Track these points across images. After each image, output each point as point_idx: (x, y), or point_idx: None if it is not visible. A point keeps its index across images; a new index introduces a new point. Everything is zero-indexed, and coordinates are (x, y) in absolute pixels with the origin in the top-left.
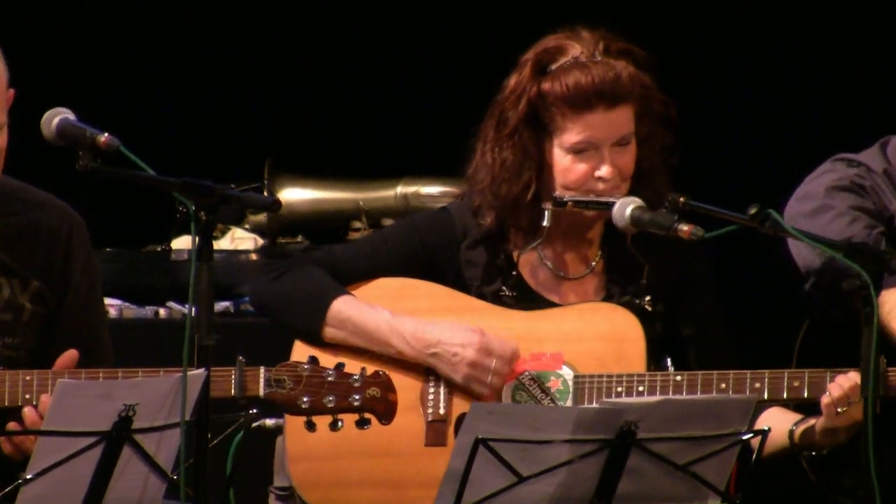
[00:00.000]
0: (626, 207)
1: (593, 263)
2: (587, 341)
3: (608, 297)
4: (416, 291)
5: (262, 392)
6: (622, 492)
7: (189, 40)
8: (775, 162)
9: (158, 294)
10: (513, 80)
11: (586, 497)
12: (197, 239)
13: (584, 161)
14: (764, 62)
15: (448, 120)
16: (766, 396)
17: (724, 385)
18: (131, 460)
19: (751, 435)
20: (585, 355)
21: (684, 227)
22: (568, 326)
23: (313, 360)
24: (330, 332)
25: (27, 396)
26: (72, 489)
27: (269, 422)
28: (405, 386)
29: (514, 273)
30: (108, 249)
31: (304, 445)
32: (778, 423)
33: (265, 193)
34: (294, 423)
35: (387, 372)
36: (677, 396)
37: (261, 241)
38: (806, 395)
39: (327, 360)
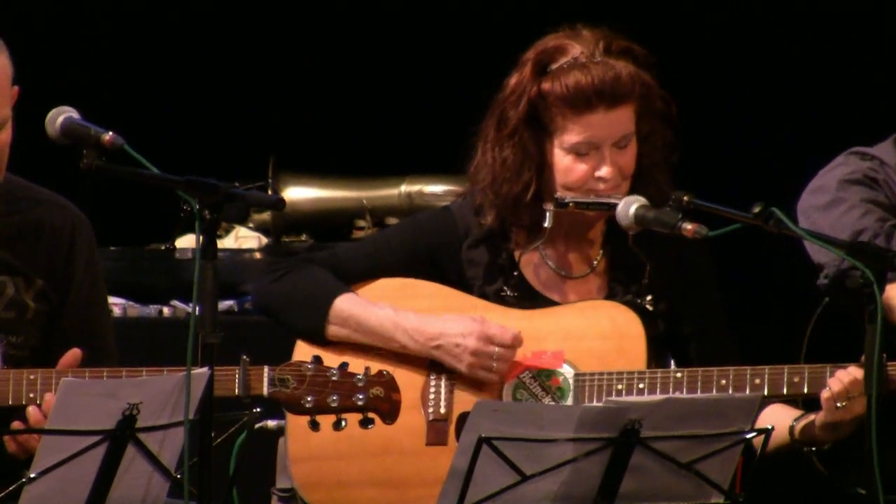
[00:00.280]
0: (630, 206)
1: (595, 262)
2: (588, 339)
3: (610, 297)
4: (417, 291)
5: (265, 391)
6: (625, 490)
7: (193, 39)
8: (778, 160)
9: (162, 293)
10: (513, 80)
11: (590, 495)
12: (201, 237)
13: (585, 161)
14: (766, 60)
15: (451, 118)
16: (766, 392)
17: (724, 381)
18: (135, 459)
19: (754, 434)
20: (586, 353)
21: (688, 226)
22: (569, 324)
23: (317, 360)
24: (333, 329)
25: (31, 395)
26: (75, 488)
27: (272, 423)
28: (406, 385)
29: (515, 273)
30: (112, 248)
31: (305, 446)
32: (778, 420)
33: (269, 192)
34: (296, 424)
35: (389, 371)
36: (681, 395)
37: (265, 240)
38: (806, 390)
39: (331, 360)
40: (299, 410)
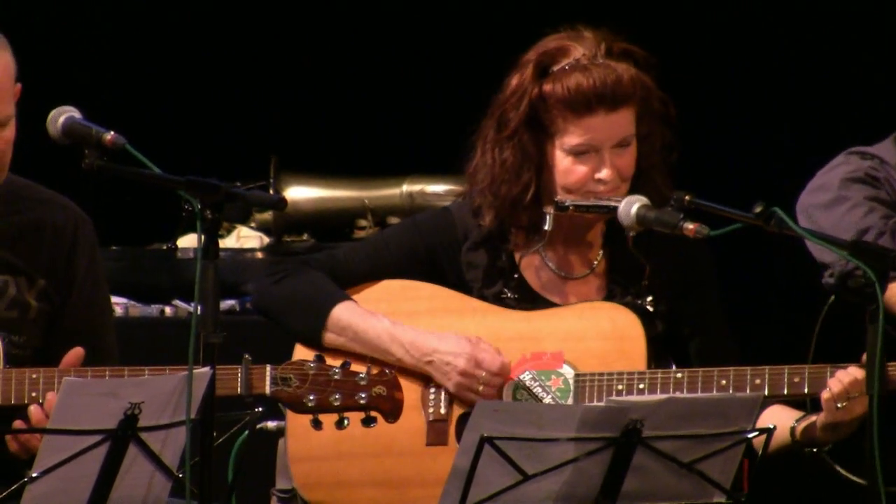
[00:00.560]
0: (631, 206)
1: (595, 264)
2: (588, 340)
3: (610, 298)
4: (417, 293)
5: (268, 390)
6: (627, 490)
7: (195, 39)
8: (778, 160)
9: (164, 292)
10: (514, 81)
11: (591, 495)
12: (202, 237)
13: (585, 163)
14: (766, 60)
15: (452, 118)
16: (766, 392)
17: (724, 382)
18: (137, 459)
19: (756, 433)
20: (586, 354)
21: (690, 226)
22: (568, 325)
23: (320, 359)
24: (330, 337)
25: (33, 394)
26: (77, 487)
27: (271, 424)
28: (406, 386)
29: (515, 275)
30: (113, 248)
31: (306, 446)
32: (779, 421)
33: (271, 192)
34: (296, 424)
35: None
36: (682, 395)
37: (266, 240)
38: (806, 390)
39: (333, 359)
40: (301, 409)
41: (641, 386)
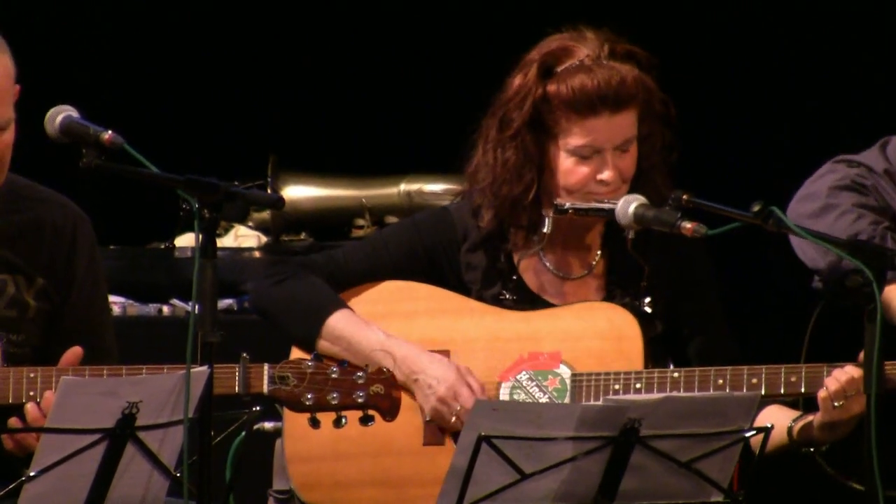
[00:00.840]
0: (629, 205)
1: (593, 265)
2: (585, 340)
3: (608, 299)
4: (415, 293)
5: (265, 389)
6: (625, 489)
7: (193, 38)
8: (778, 159)
9: (162, 291)
10: (517, 81)
11: (590, 494)
12: (201, 236)
13: (587, 164)
14: (766, 60)
15: (451, 117)
16: (763, 392)
17: (721, 381)
18: (135, 458)
19: (753, 432)
20: (583, 354)
21: (688, 225)
22: (565, 325)
23: (317, 357)
24: (324, 345)
25: (31, 393)
26: (75, 486)
27: (268, 425)
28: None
29: (514, 277)
30: (111, 247)
31: (303, 446)
32: (777, 421)
33: (269, 191)
34: (294, 425)
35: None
36: (680, 394)
37: (264, 239)
38: (803, 389)
39: (331, 357)
40: (299, 408)
41: (638, 385)
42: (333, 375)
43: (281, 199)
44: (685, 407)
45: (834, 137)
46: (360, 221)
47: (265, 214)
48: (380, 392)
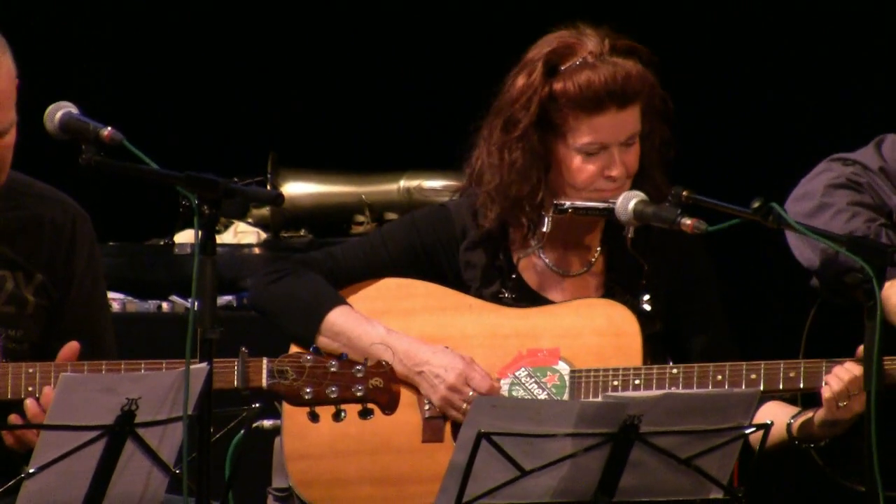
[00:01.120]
0: (629, 201)
1: (592, 263)
2: (584, 336)
3: (608, 296)
4: (413, 290)
5: (265, 383)
6: (625, 485)
7: (192, 34)
8: (778, 156)
9: (161, 288)
10: (520, 81)
11: (589, 491)
12: (200, 233)
13: (594, 161)
14: (765, 56)
15: (450, 114)
16: (762, 387)
17: (720, 377)
18: (134, 454)
19: (753, 429)
20: (582, 350)
21: (687, 221)
22: (564, 322)
23: (316, 351)
24: (324, 341)
25: (30, 389)
26: (74, 483)
27: (267, 423)
28: (402, 383)
29: (513, 275)
30: (111, 243)
31: (302, 444)
32: (776, 417)
33: (268, 187)
34: (292, 423)
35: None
36: (680, 391)
37: (264, 235)
38: (802, 385)
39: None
40: (298, 402)
41: (637, 382)
42: (332, 369)
43: (280, 196)
44: (685, 404)
45: (833, 134)
46: (360, 218)
47: (265, 211)
48: (379, 386)
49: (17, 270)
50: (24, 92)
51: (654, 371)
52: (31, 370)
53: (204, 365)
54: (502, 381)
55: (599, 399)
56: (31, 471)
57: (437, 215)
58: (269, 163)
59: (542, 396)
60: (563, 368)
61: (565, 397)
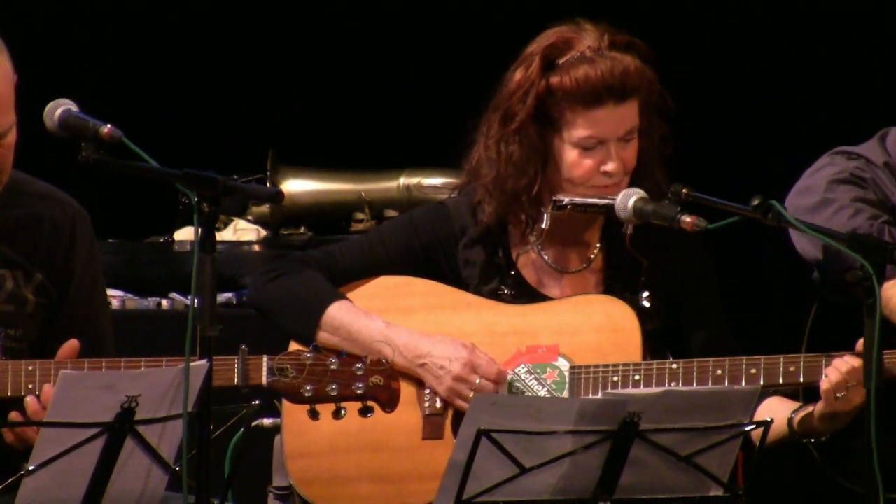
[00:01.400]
0: (629, 199)
1: (591, 259)
2: (583, 333)
3: (606, 293)
4: (412, 288)
5: (265, 381)
6: (625, 483)
7: (191, 32)
8: (777, 153)
9: (161, 285)
10: (518, 75)
11: (589, 488)
12: (199, 230)
13: (591, 156)
14: (766, 53)
15: (450, 111)
16: (762, 382)
17: (719, 372)
18: (134, 452)
19: (753, 426)
20: (581, 346)
21: (687, 219)
22: (563, 319)
23: (316, 349)
24: (323, 336)
25: (30, 386)
26: (74, 480)
27: (267, 421)
28: (403, 379)
29: (512, 272)
30: (110, 241)
31: (302, 442)
32: (777, 412)
33: (268, 184)
34: (292, 421)
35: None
36: (680, 388)
37: (263, 233)
38: (802, 379)
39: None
40: (298, 400)
41: (637, 377)
42: (332, 367)
43: (280, 193)
44: (685, 401)
45: (832, 130)
46: (360, 215)
47: (264, 208)
48: (379, 383)
49: (17, 269)
50: (23, 89)
51: (654, 367)
52: (30, 368)
53: (204, 362)
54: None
55: (599, 396)
56: (30, 468)
57: (436, 213)
58: (269, 160)
59: (542, 393)
60: (563, 365)
61: (565, 394)
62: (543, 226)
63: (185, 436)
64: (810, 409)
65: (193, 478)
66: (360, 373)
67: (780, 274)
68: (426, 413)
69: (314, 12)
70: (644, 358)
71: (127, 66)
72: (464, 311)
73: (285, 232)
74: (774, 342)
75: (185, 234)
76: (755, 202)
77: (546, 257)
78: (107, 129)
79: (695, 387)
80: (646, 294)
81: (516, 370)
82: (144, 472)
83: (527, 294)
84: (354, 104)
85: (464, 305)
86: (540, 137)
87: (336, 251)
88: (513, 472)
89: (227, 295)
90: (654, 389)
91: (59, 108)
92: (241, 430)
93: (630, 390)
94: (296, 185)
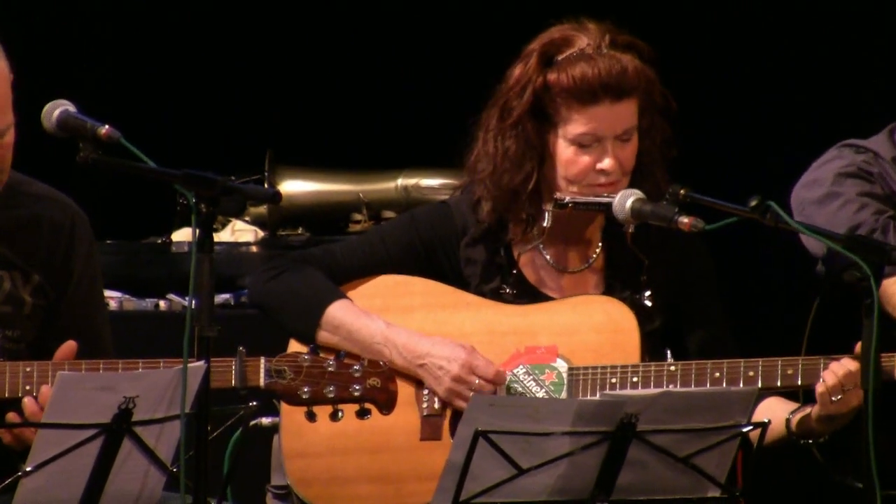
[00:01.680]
0: (626, 199)
1: (592, 258)
2: (581, 334)
3: (608, 293)
4: (412, 288)
5: (262, 382)
6: (623, 484)
7: (190, 33)
8: (775, 154)
9: (159, 286)
10: (517, 71)
11: (587, 489)
12: (197, 231)
13: (587, 154)
14: (764, 53)
15: (448, 111)
16: (759, 384)
17: (717, 374)
18: (131, 453)
19: (751, 427)
20: (580, 347)
21: (685, 220)
22: (562, 319)
23: (314, 351)
24: (324, 336)
25: (27, 388)
26: (72, 481)
27: (266, 420)
28: (400, 381)
29: (514, 271)
30: (108, 241)
31: (300, 442)
32: (775, 413)
33: (266, 185)
34: (290, 421)
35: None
36: (678, 389)
37: (261, 233)
38: (800, 382)
39: (328, 350)
40: (296, 402)
41: (635, 379)
42: (330, 369)
43: (278, 194)
44: (682, 402)
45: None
46: (357, 216)
47: (262, 209)
48: (376, 385)
49: (15, 270)
50: (21, 90)
51: (652, 368)
52: (28, 369)
53: (201, 363)
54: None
55: (597, 397)
56: (28, 469)
57: (437, 212)
58: (267, 161)
59: (541, 394)
60: (562, 366)
61: (563, 395)
62: (545, 224)
63: (182, 437)
64: (808, 410)
65: (191, 478)
66: (357, 375)
67: (779, 274)
68: (424, 414)
69: (312, 13)
70: (643, 359)
71: (125, 66)
72: (463, 311)
73: (283, 233)
74: (774, 342)
75: (183, 234)
76: (753, 203)
77: (548, 257)
78: (105, 129)
79: (693, 387)
80: (648, 293)
81: (515, 371)
82: (142, 473)
83: (528, 293)
84: (352, 105)
85: (463, 305)
86: (536, 133)
87: (337, 250)
88: (510, 472)
89: (225, 296)
90: (652, 390)
91: (57, 109)
92: (239, 430)
93: (628, 391)
94: (294, 186)
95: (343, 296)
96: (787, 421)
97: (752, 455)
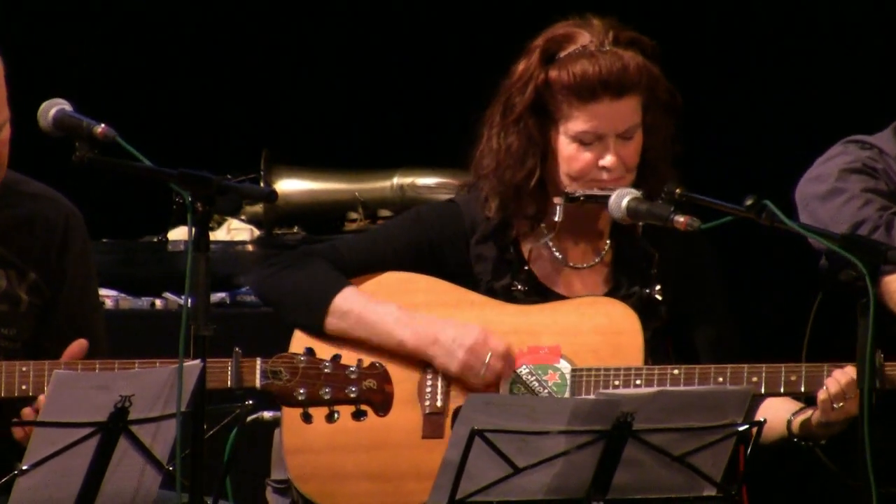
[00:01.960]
0: (622, 198)
1: (603, 253)
2: (584, 335)
3: (617, 287)
4: (415, 285)
5: (258, 383)
6: (618, 482)
7: (185, 32)
8: (773, 153)
9: (155, 285)
10: (520, 67)
11: (583, 488)
12: (193, 229)
13: (589, 150)
14: (764, 52)
15: (444, 110)
16: (762, 390)
17: (721, 379)
18: (127, 451)
19: (746, 426)
20: (583, 349)
21: (680, 219)
22: (565, 320)
23: (310, 352)
24: (332, 322)
25: (24, 387)
26: (68, 480)
27: (267, 414)
28: (402, 378)
29: (525, 268)
30: (104, 240)
31: (301, 438)
32: (777, 413)
33: (262, 184)
34: (291, 416)
35: (384, 364)
36: (673, 388)
37: (257, 232)
38: (803, 389)
39: (324, 352)
40: (292, 403)
41: (638, 382)
42: (326, 370)
43: (274, 193)
44: (678, 401)
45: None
46: (353, 215)
47: (258, 208)
48: (372, 387)
49: (11, 268)
50: (17, 89)
51: (656, 371)
52: (24, 368)
53: (197, 362)
54: (503, 379)
55: (592, 396)
56: (24, 468)
57: (445, 210)
58: (263, 160)
59: (543, 395)
60: (565, 367)
61: (566, 396)
62: (556, 218)
63: (178, 435)
64: (809, 412)
65: (187, 477)
66: (353, 376)
67: (779, 274)
68: (426, 412)
69: (308, 12)
70: (646, 360)
71: (121, 65)
72: (467, 309)
73: (279, 231)
74: (773, 342)
75: (178, 233)
76: (749, 202)
77: (557, 252)
78: (101, 128)
79: (689, 387)
80: (658, 287)
81: (518, 371)
82: (138, 472)
83: (539, 290)
84: (348, 104)
85: (467, 303)
86: (538, 130)
87: (340, 245)
88: (506, 471)
89: (221, 294)
90: (648, 389)
91: (53, 108)
92: (236, 429)
93: (623, 390)
94: (289, 185)
95: (350, 283)
96: (789, 422)
97: (748, 454)
